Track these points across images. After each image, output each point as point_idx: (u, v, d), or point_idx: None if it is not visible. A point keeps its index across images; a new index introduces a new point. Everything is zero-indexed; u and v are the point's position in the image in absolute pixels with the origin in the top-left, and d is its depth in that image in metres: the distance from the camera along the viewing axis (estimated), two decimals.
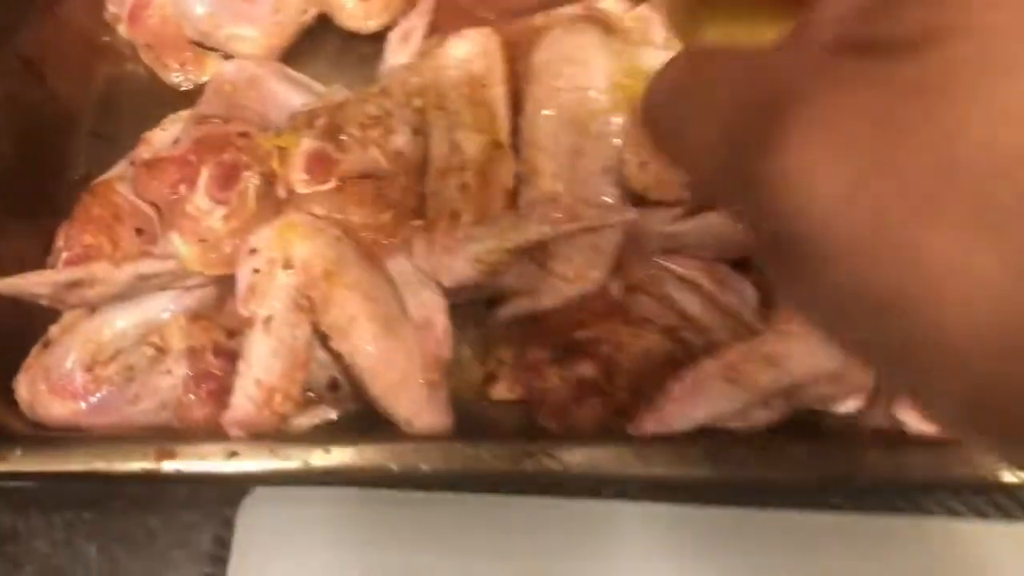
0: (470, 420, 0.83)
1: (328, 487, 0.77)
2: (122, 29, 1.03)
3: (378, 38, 1.00)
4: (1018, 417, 0.25)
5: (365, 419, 0.81)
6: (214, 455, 0.69)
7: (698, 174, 0.34)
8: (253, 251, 0.77)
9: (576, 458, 0.67)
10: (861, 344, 0.29)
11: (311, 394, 0.82)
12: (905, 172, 0.25)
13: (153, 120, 0.95)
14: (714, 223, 0.78)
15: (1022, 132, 0.24)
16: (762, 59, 0.32)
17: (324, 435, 0.77)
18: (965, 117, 0.25)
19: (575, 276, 0.84)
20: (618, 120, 0.82)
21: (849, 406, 0.76)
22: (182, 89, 1.02)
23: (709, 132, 0.32)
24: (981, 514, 0.77)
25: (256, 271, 0.76)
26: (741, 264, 0.81)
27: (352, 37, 1.01)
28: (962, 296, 0.24)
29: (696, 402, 0.71)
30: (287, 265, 0.75)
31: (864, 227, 0.26)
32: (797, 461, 0.66)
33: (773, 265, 0.31)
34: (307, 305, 0.76)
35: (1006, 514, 0.77)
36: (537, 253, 0.83)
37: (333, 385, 0.80)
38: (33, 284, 0.79)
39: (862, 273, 0.27)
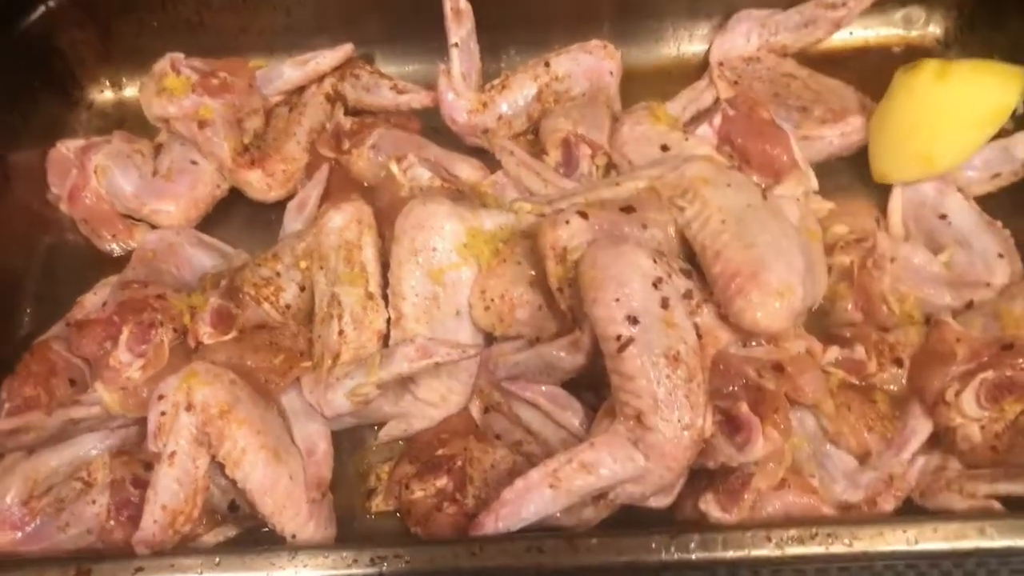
0: (354, 531, 0.98)
1: None
2: (63, 206, 1.21)
3: (281, 205, 1.19)
4: None
5: (265, 536, 0.96)
6: (123, 570, 0.83)
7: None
8: (160, 397, 0.92)
9: (421, 557, 0.81)
10: None
11: (217, 516, 0.97)
12: None
13: (90, 283, 1.12)
14: (543, 353, 0.95)
15: None
16: None
17: (222, 549, 0.91)
18: None
19: (439, 401, 1.01)
20: (466, 272, 1.00)
21: (662, 502, 0.91)
22: (115, 255, 1.19)
23: None
24: None
25: (163, 414, 0.91)
26: (571, 386, 0.98)
27: (259, 205, 1.20)
28: None
29: (525, 505, 0.86)
30: (189, 407, 0.91)
31: None
32: (600, 549, 0.81)
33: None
34: (206, 440, 0.91)
35: None
36: (408, 383, 1.00)
37: (233, 507, 0.95)
38: None
39: None
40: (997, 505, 0.87)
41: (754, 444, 0.86)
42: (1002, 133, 1.08)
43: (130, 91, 1.34)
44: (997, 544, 0.78)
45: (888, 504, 0.90)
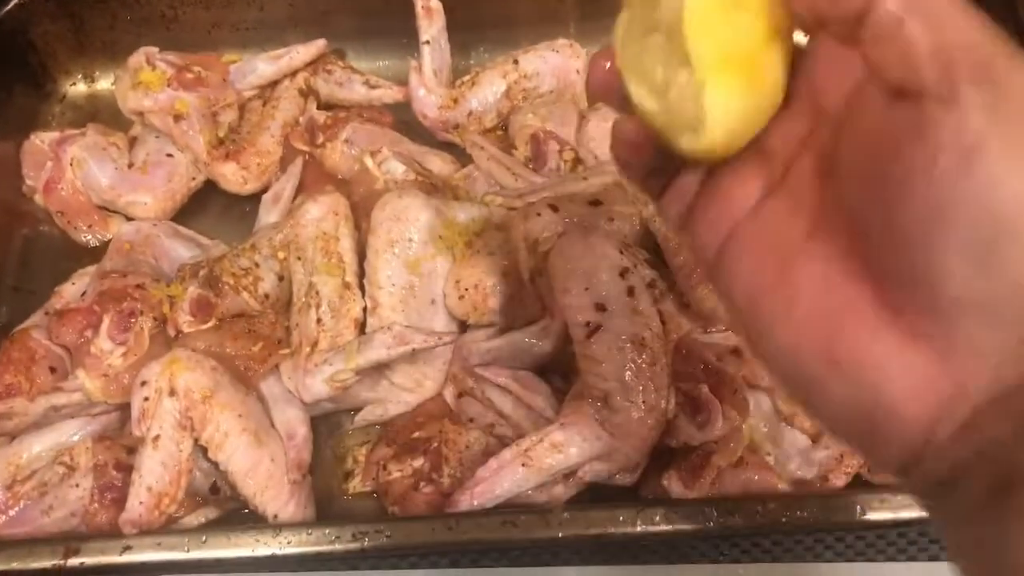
0: (333, 512, 1.02)
1: None
2: (38, 198, 1.22)
3: (255, 197, 1.21)
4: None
5: (246, 517, 0.99)
6: (112, 550, 0.86)
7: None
8: (144, 383, 0.95)
9: (400, 532, 0.85)
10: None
11: (198, 498, 1.00)
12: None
13: (66, 275, 1.14)
14: (515, 340, 0.99)
15: None
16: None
17: (208, 527, 0.94)
18: None
19: (414, 387, 1.05)
20: (441, 263, 1.04)
21: (627, 480, 0.96)
22: (90, 247, 1.21)
23: None
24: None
25: (146, 399, 0.94)
26: (541, 371, 1.02)
27: (234, 197, 1.23)
28: None
29: (498, 483, 0.91)
30: (171, 392, 0.94)
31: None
32: (570, 522, 0.86)
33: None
34: (188, 424, 0.94)
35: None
36: (384, 369, 1.03)
37: (214, 489, 0.98)
38: None
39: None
40: None
41: (714, 423, 0.91)
42: None
43: (103, 84, 1.35)
44: None
45: (839, 480, 0.96)
